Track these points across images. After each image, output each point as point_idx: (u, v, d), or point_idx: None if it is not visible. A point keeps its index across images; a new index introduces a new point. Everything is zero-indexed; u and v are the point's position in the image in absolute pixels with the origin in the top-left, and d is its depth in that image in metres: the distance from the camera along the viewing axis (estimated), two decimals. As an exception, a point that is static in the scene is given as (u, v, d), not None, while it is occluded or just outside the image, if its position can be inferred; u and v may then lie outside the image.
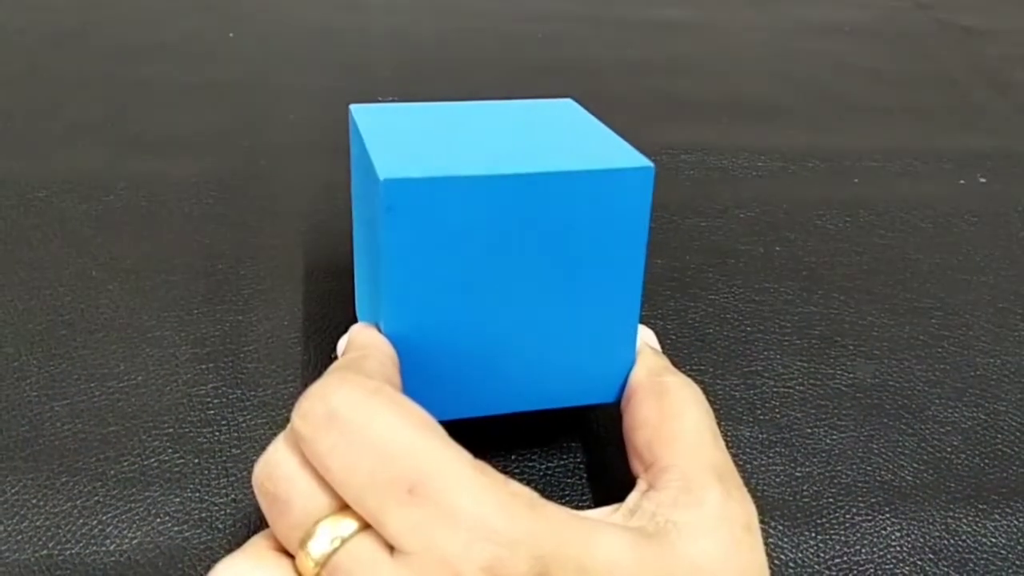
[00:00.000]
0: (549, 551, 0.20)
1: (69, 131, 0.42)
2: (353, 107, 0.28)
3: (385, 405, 0.21)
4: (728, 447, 0.26)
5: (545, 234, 0.25)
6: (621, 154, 0.26)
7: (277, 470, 0.22)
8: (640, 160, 0.25)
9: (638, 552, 0.21)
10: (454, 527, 0.20)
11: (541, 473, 0.22)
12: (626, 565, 0.21)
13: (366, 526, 0.21)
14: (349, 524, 0.21)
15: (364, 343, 0.25)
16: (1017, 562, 0.30)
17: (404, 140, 0.26)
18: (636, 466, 0.26)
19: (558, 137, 0.27)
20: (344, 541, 0.21)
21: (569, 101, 0.31)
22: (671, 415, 0.26)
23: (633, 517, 0.24)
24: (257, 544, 0.23)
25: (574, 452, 0.32)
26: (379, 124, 0.27)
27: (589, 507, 0.24)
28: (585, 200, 0.25)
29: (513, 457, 0.25)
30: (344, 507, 0.21)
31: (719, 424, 0.27)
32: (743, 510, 0.24)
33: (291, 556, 0.22)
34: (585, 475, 0.31)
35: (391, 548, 0.20)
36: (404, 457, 0.20)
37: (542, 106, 0.30)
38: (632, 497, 0.25)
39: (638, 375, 0.27)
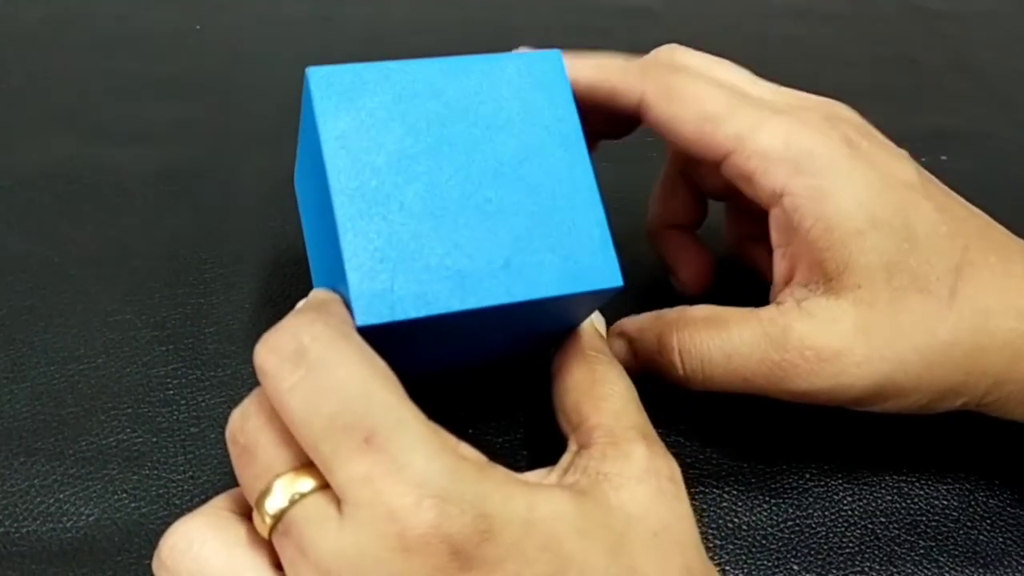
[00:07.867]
0: (494, 510, 0.21)
1: (35, 121, 0.42)
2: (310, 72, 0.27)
3: (354, 351, 0.21)
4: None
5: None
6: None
7: (248, 421, 0.22)
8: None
9: (576, 504, 0.22)
10: (405, 482, 0.20)
11: (488, 448, 0.23)
12: (568, 518, 0.22)
13: (322, 487, 0.21)
14: (306, 483, 0.21)
15: (327, 297, 0.25)
16: (968, 523, 0.30)
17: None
18: (565, 427, 0.27)
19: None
20: (302, 496, 0.21)
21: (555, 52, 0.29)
22: (600, 380, 0.27)
23: (567, 475, 0.24)
24: (213, 505, 0.23)
25: (515, 430, 0.32)
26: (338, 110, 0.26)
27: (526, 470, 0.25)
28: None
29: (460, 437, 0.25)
30: (303, 467, 0.21)
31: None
32: (667, 464, 0.24)
33: (248, 520, 0.22)
34: (525, 451, 0.32)
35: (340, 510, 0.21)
36: (366, 406, 0.21)
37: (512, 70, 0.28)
38: (565, 457, 0.25)
39: (572, 344, 0.28)
